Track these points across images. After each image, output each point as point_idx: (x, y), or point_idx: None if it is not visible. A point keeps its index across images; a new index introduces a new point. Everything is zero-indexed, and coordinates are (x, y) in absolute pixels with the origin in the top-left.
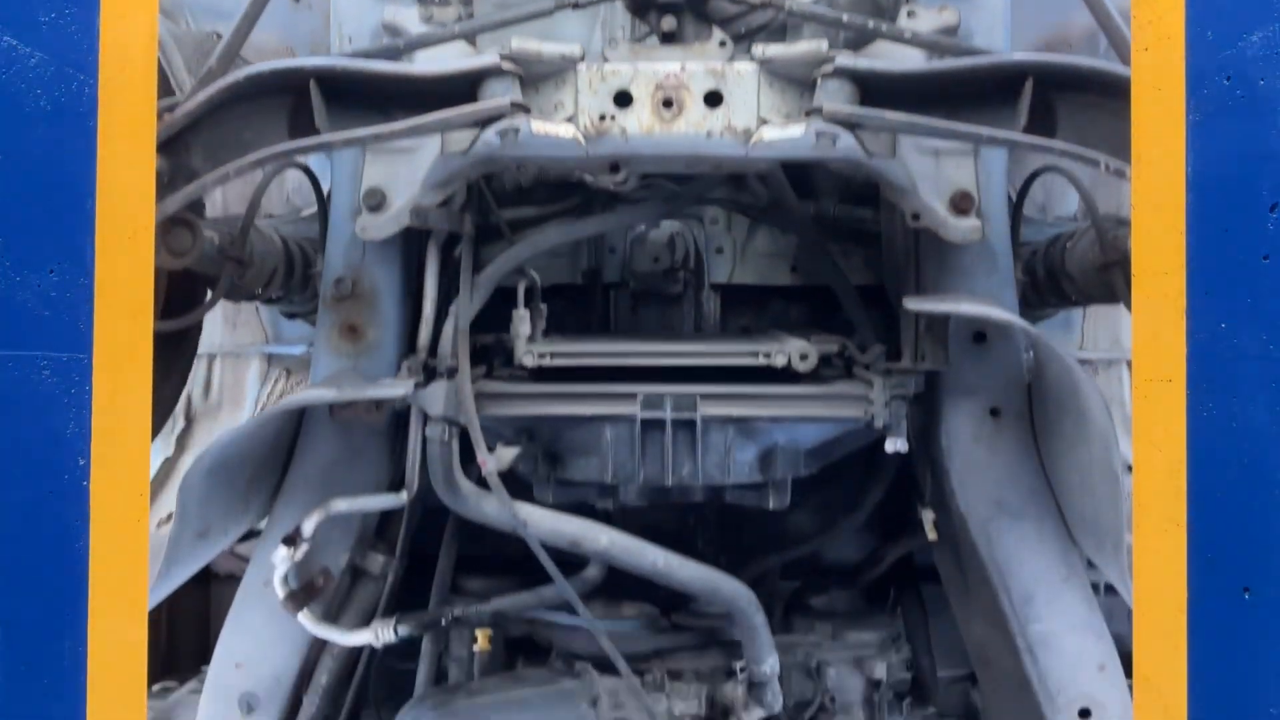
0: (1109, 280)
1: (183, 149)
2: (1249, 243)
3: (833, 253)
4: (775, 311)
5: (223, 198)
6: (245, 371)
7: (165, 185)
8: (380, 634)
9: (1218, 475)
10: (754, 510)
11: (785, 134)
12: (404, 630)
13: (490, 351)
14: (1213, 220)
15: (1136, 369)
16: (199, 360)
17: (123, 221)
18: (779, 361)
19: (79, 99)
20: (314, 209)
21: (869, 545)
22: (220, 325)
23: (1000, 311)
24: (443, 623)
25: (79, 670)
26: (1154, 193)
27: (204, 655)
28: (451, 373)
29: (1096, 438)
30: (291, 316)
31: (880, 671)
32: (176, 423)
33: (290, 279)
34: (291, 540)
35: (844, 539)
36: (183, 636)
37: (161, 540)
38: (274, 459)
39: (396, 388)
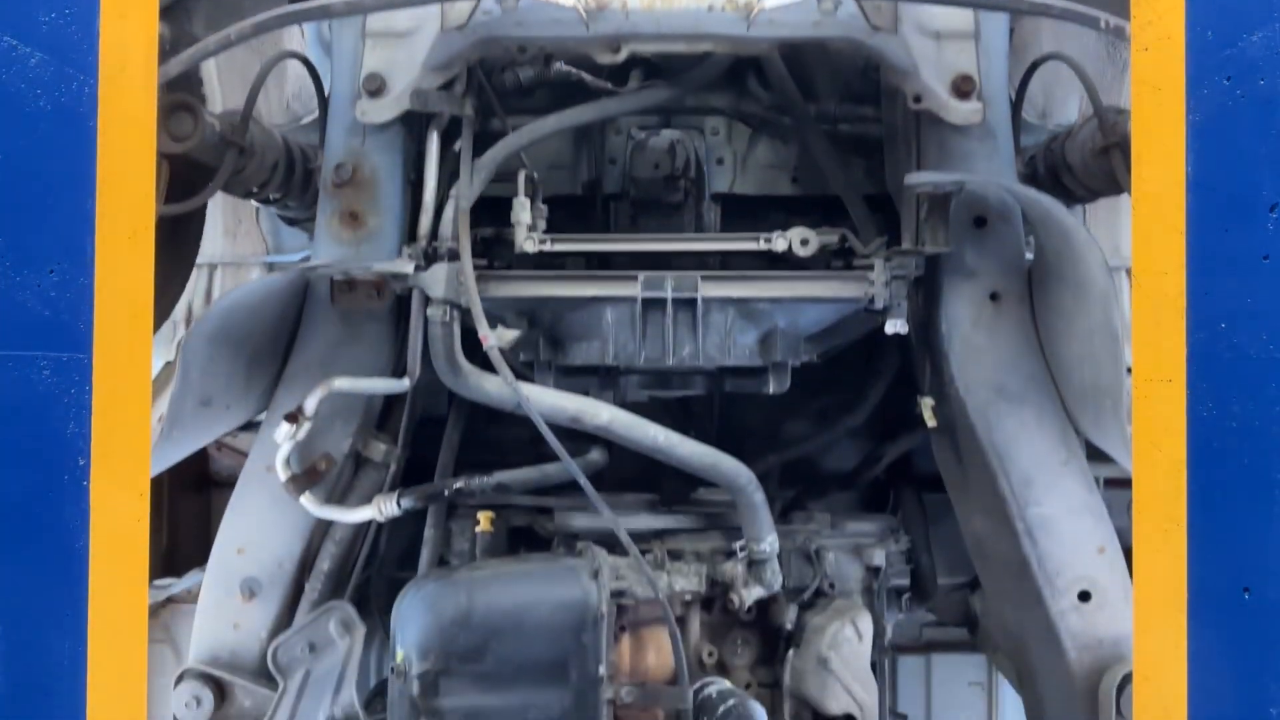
0: (1109, 165)
1: (184, 16)
2: (1249, 243)
3: (834, 155)
4: (776, 222)
5: (221, 99)
6: (246, 281)
7: (167, 52)
8: (383, 508)
9: (1218, 475)
10: (753, 416)
11: None
12: (407, 503)
13: (489, 247)
14: (1213, 220)
15: (1136, 369)
16: (200, 270)
17: (123, 221)
18: (779, 246)
19: (79, 99)
20: (314, 116)
21: (867, 452)
22: (221, 236)
23: (999, 181)
24: (445, 494)
25: (80, 672)
26: (1154, 193)
27: (203, 560)
28: (452, 255)
29: (1096, 300)
30: (291, 223)
31: (879, 559)
32: (177, 329)
33: (290, 178)
34: (294, 417)
35: (843, 447)
36: (183, 541)
37: None
38: (275, 343)
39: (399, 265)
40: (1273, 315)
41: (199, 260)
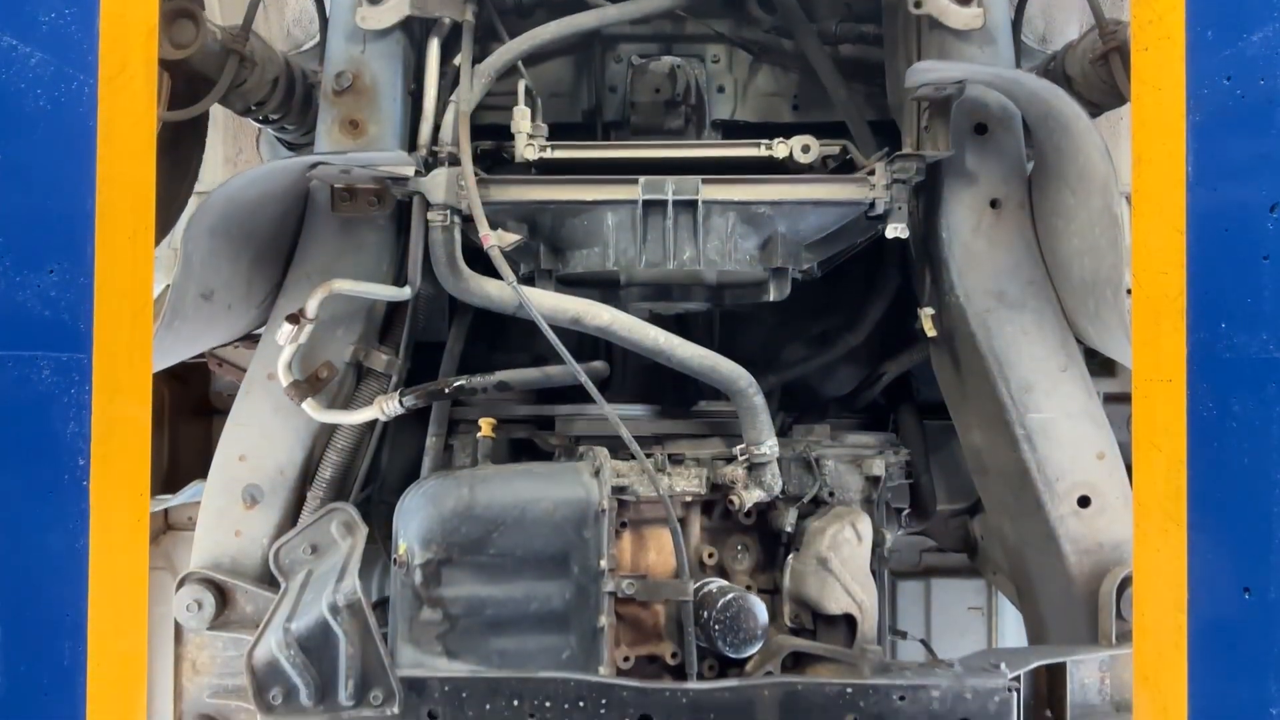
0: (1108, 72)
1: None
2: (1249, 243)
3: (836, 74)
4: None
5: (221, 20)
6: None
7: None
8: (385, 408)
9: (1218, 475)
10: (752, 340)
11: None
12: (409, 402)
13: (490, 164)
14: (1213, 220)
15: (1136, 369)
16: (199, 198)
17: (123, 221)
18: (780, 152)
19: (79, 99)
20: (314, 42)
21: (867, 373)
22: (221, 164)
23: (1002, 70)
24: (446, 391)
25: (79, 670)
26: (1154, 193)
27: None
28: (453, 160)
29: (1096, 188)
30: (291, 148)
31: (878, 469)
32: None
33: (291, 97)
34: (295, 318)
35: (843, 373)
36: (183, 466)
37: None
38: (277, 247)
39: (400, 165)
40: (1273, 315)
41: (199, 188)
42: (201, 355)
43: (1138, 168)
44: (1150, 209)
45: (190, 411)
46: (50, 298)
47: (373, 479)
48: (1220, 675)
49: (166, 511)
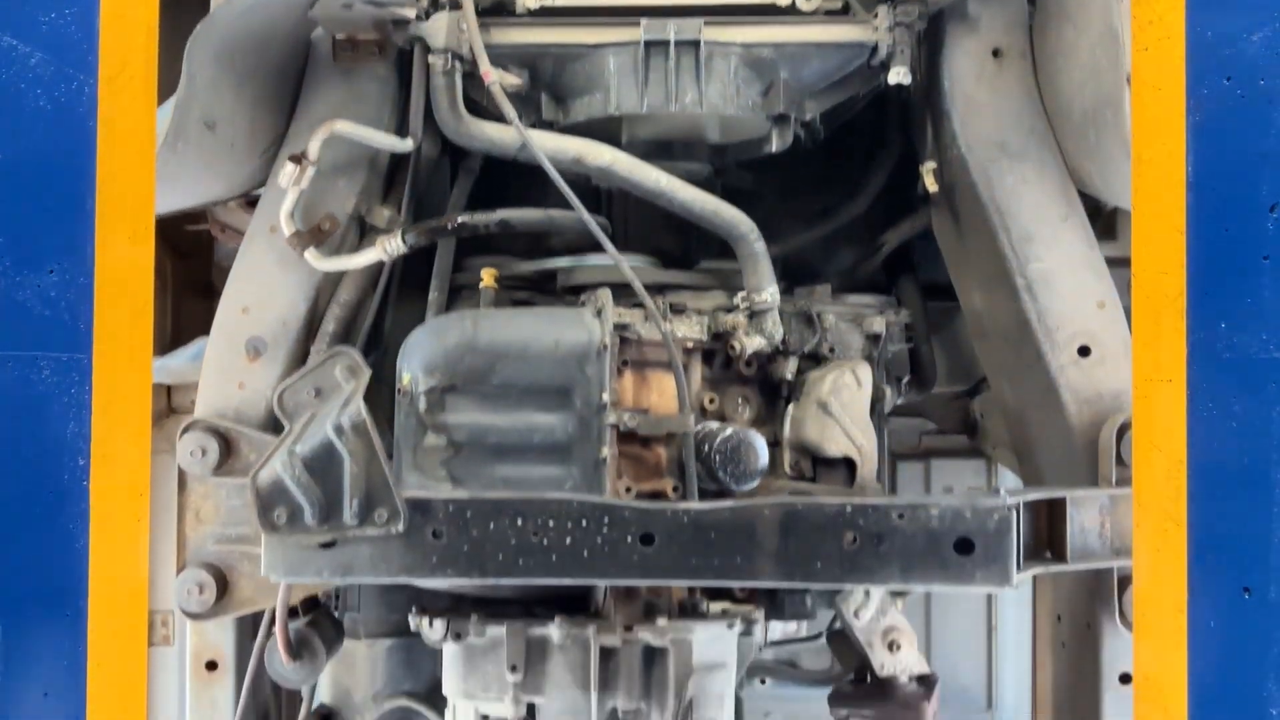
0: None
1: None
2: (1249, 243)
3: None
4: None
5: None
6: None
7: None
8: (388, 247)
9: (1218, 475)
10: (754, 214)
11: None
12: (411, 239)
13: (489, 16)
14: (1213, 220)
15: (1136, 369)
16: None
17: (123, 221)
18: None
19: (79, 99)
20: None
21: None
22: None
23: None
24: (450, 228)
25: (79, 671)
26: (1154, 193)
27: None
28: (453, 4)
29: (1097, 12)
30: None
31: (879, 326)
32: None
33: None
34: (298, 159)
35: (844, 252)
36: (185, 342)
37: None
38: (278, 94)
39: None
40: (1273, 315)
41: None
42: (204, 222)
43: (1138, 167)
44: (1150, 209)
45: (193, 292)
46: (50, 298)
47: (376, 343)
48: (1220, 675)
49: (170, 394)
